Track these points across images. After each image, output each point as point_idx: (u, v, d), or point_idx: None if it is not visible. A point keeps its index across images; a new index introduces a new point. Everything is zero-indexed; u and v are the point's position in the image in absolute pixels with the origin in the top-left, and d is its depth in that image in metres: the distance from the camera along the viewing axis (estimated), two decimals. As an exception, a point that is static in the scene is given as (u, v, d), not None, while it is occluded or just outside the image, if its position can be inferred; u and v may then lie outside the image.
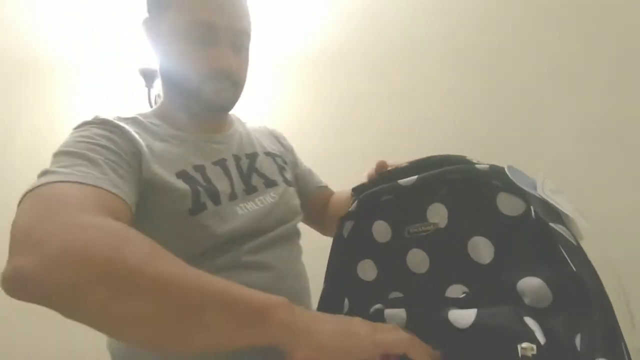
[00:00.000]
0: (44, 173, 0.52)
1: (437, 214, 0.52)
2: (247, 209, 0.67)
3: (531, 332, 0.40)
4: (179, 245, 0.57)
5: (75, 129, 0.64)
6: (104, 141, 0.59)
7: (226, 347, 0.42)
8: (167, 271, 0.42)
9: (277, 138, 0.90)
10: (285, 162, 0.83)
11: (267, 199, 0.71)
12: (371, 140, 1.43)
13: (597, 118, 1.18)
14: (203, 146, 0.71)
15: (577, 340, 0.40)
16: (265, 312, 0.42)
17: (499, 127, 1.28)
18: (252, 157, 0.76)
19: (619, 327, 0.40)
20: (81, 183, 0.50)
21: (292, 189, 0.79)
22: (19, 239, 0.43)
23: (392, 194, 0.56)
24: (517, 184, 0.45)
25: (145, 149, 0.62)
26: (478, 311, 0.44)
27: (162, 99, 0.76)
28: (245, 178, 0.72)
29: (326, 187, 0.93)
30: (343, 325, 0.45)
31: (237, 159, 0.73)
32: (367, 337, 0.43)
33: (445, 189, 0.52)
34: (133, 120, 0.68)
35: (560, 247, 0.43)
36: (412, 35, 1.42)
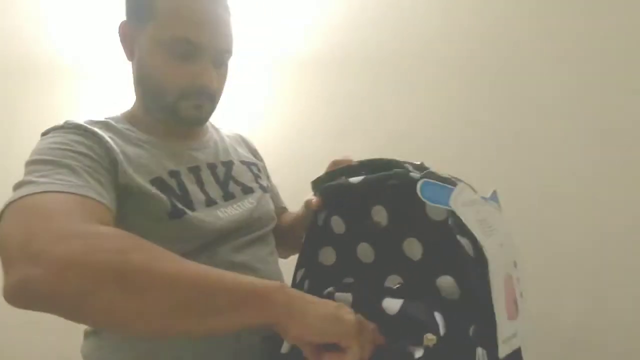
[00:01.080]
0: (22, 184, 0.52)
1: (380, 215, 0.59)
2: (227, 213, 0.69)
3: (436, 325, 0.49)
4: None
5: (44, 135, 0.63)
6: (80, 147, 0.59)
7: (234, 328, 0.47)
8: (173, 266, 0.45)
9: (249, 148, 0.91)
10: (259, 170, 0.84)
11: (245, 204, 0.73)
12: (371, 141, 1.42)
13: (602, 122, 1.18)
14: (178, 151, 0.71)
15: (472, 330, 0.49)
16: (266, 295, 0.46)
17: (500, 128, 1.28)
18: (228, 165, 0.77)
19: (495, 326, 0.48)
20: (66, 192, 0.50)
21: (267, 195, 0.81)
22: (15, 249, 0.43)
23: (343, 190, 0.63)
24: (426, 200, 0.51)
25: (120, 154, 0.62)
26: (403, 302, 0.52)
27: (133, 104, 0.76)
28: (223, 185, 0.73)
29: (286, 208, 0.95)
30: (332, 310, 0.48)
31: (212, 167, 0.74)
32: (351, 324, 0.47)
33: (386, 193, 0.59)
34: (105, 125, 0.68)
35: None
36: (413, 36, 1.39)
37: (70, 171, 0.54)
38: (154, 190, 0.62)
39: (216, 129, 0.86)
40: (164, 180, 0.65)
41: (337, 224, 0.63)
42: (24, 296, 0.42)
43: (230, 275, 0.47)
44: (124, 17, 0.71)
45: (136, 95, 0.75)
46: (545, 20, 1.24)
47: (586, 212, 1.16)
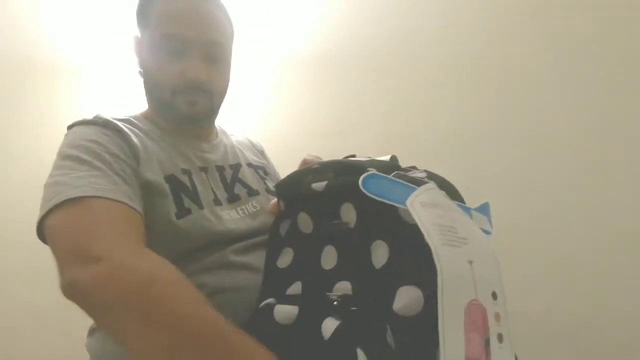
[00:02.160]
0: (61, 184, 0.55)
1: (348, 214, 0.51)
2: (230, 216, 0.69)
3: None
4: (166, 245, 0.61)
5: (78, 125, 0.66)
6: (112, 147, 0.62)
7: None
8: (185, 312, 0.48)
9: (259, 151, 0.92)
10: (266, 173, 0.85)
11: (249, 208, 0.73)
12: (371, 140, 1.39)
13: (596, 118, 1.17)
14: (190, 152, 0.73)
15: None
16: None
17: (502, 128, 1.25)
18: (236, 167, 0.79)
19: None
20: (112, 200, 0.55)
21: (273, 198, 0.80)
22: (72, 250, 0.50)
23: (306, 196, 0.56)
24: (371, 194, 0.42)
25: (142, 151, 0.64)
26: (337, 326, 0.43)
27: (147, 107, 0.79)
28: (229, 187, 0.74)
29: None
30: None
31: (220, 169, 0.75)
32: None
33: (355, 192, 0.51)
34: (128, 121, 0.71)
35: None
36: (413, 36, 1.39)
37: (107, 176, 0.58)
38: (166, 186, 0.64)
39: (226, 134, 0.88)
40: (177, 178, 0.67)
41: (305, 222, 0.56)
42: (71, 293, 0.48)
43: (232, 334, 0.48)
44: (137, 33, 0.76)
45: (146, 100, 0.78)
46: (547, 20, 1.21)
47: (587, 212, 1.14)
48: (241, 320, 0.56)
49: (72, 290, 0.48)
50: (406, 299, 0.41)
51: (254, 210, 0.73)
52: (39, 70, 1.55)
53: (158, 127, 0.73)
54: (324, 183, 0.53)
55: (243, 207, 0.72)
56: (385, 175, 0.44)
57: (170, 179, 0.66)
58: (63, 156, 0.59)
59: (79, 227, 0.52)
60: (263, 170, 0.85)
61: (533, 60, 1.22)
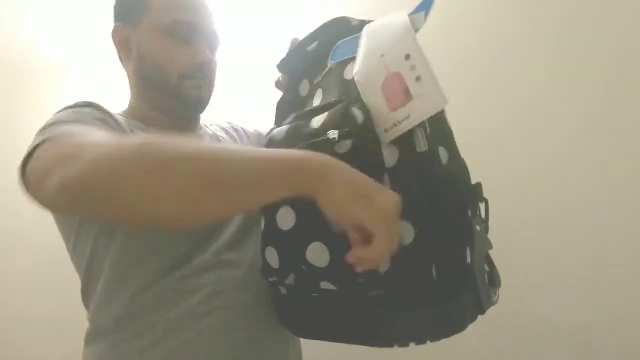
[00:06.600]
0: (43, 133, 0.55)
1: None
2: None
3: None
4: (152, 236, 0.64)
5: (58, 112, 0.64)
6: (98, 114, 0.62)
7: (265, 199, 0.47)
8: (192, 146, 0.48)
9: (235, 130, 0.91)
10: None
11: None
12: None
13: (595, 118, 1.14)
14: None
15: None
16: (299, 162, 0.45)
17: (499, 127, 1.24)
18: None
19: None
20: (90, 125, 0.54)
21: None
22: (53, 161, 0.47)
23: (301, 56, 0.69)
24: (335, 60, 0.64)
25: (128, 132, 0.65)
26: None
27: (129, 104, 0.77)
28: None
29: None
30: (363, 187, 0.47)
31: None
32: (383, 205, 0.44)
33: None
34: (108, 114, 0.69)
35: None
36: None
37: (87, 124, 0.57)
38: None
39: (207, 126, 0.88)
40: None
41: (304, 88, 0.69)
42: (64, 193, 0.45)
43: (253, 149, 0.51)
44: (113, 24, 0.75)
45: (135, 92, 0.77)
46: (545, 19, 1.19)
47: (586, 212, 1.13)
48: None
49: (62, 190, 0.45)
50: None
51: None
52: (36, 71, 1.55)
53: (141, 122, 0.73)
54: (315, 43, 0.66)
55: None
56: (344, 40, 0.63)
57: None
58: (44, 127, 0.58)
59: (59, 148, 0.50)
60: None
61: (532, 58, 1.19)
